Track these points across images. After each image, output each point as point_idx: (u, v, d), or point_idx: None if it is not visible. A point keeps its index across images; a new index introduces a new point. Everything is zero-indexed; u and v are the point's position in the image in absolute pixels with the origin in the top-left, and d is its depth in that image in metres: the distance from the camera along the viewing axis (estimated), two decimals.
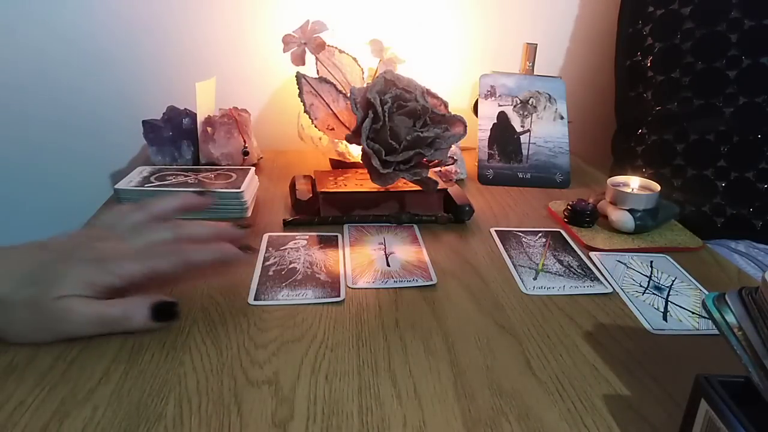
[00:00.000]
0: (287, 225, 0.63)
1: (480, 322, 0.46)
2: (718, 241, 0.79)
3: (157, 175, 0.68)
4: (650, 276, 0.55)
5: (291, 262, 0.54)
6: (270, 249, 0.57)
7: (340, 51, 0.73)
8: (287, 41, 0.72)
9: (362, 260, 0.55)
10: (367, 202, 0.65)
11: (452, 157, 0.67)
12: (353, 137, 0.63)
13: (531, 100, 0.83)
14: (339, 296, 0.48)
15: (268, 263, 0.54)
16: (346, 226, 0.63)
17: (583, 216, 0.65)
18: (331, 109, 0.65)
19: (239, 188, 0.64)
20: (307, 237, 0.60)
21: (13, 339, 0.39)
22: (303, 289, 0.49)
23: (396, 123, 0.60)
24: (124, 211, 0.47)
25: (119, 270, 0.40)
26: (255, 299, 0.47)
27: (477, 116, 0.85)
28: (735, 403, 0.28)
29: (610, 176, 0.68)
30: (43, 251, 0.41)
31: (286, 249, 0.57)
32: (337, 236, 0.60)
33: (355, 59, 0.74)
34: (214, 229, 0.49)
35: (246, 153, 0.79)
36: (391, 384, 0.38)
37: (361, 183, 0.67)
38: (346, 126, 0.65)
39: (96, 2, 0.88)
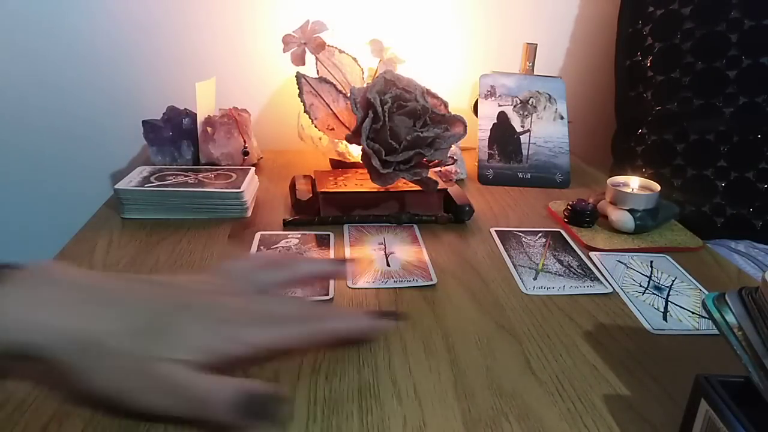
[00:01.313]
0: (287, 225, 0.63)
1: (480, 322, 0.46)
2: (718, 241, 0.79)
3: (157, 175, 0.68)
4: (650, 276, 0.55)
5: None
6: (261, 247, 0.57)
7: (340, 51, 0.73)
8: (287, 41, 0.72)
9: (362, 260, 0.55)
10: (367, 202, 0.65)
11: (452, 157, 0.67)
12: (353, 137, 0.63)
13: (531, 100, 0.83)
14: (328, 294, 0.48)
15: None
16: (346, 226, 0.63)
17: (583, 216, 0.65)
18: (331, 109, 0.65)
19: (239, 188, 0.64)
20: (299, 236, 0.60)
21: (101, 392, 0.31)
22: (292, 287, 0.49)
23: (396, 123, 0.60)
24: (260, 264, 0.41)
25: (245, 337, 0.34)
26: None
27: (477, 116, 0.85)
28: (735, 403, 0.28)
29: (610, 176, 0.68)
30: (156, 290, 0.35)
31: (277, 247, 0.57)
32: (329, 235, 0.60)
33: (355, 59, 0.74)
34: (356, 315, 0.42)
35: (246, 153, 0.79)
36: (391, 384, 0.38)
37: (361, 183, 0.67)
38: (346, 126, 0.65)
39: (96, 3, 0.88)
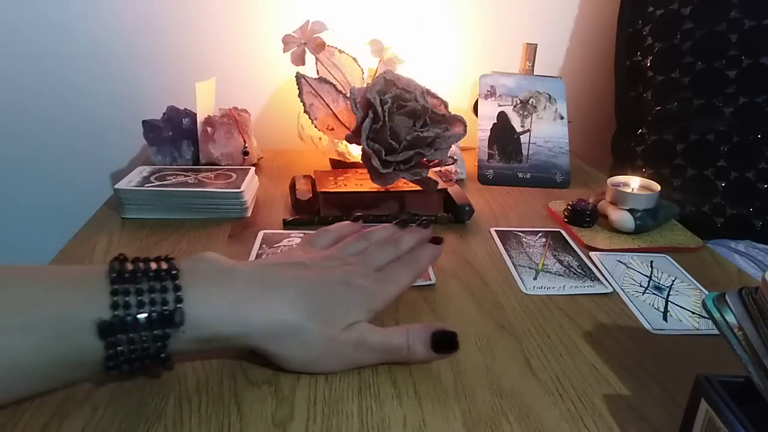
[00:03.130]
0: (287, 225, 0.63)
1: (480, 322, 0.46)
2: (718, 241, 0.79)
3: (157, 175, 0.68)
4: (650, 276, 0.55)
5: None
6: (264, 246, 0.57)
7: (340, 51, 0.73)
8: (287, 41, 0.72)
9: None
10: (367, 202, 0.65)
11: (452, 157, 0.67)
12: (353, 137, 0.63)
13: (531, 100, 0.83)
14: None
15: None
16: None
17: (583, 216, 0.65)
18: (331, 109, 0.65)
19: (239, 188, 0.64)
20: (302, 234, 0.60)
21: (300, 367, 0.37)
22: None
23: (396, 123, 0.60)
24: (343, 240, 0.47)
25: (384, 294, 0.41)
26: None
27: (477, 116, 0.85)
28: (735, 403, 0.28)
29: (610, 176, 0.68)
30: (305, 272, 0.39)
31: (279, 247, 0.57)
32: None
33: (355, 59, 0.74)
34: (416, 235, 0.48)
35: (246, 153, 0.79)
36: (391, 384, 0.38)
37: (361, 183, 0.67)
38: (346, 126, 0.65)
39: (96, 1, 0.88)
